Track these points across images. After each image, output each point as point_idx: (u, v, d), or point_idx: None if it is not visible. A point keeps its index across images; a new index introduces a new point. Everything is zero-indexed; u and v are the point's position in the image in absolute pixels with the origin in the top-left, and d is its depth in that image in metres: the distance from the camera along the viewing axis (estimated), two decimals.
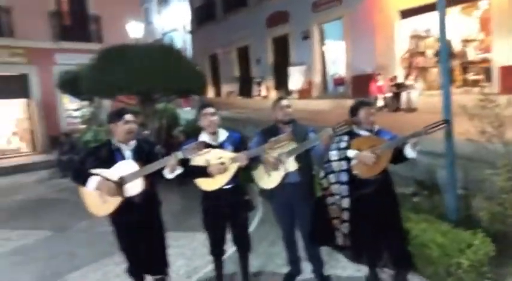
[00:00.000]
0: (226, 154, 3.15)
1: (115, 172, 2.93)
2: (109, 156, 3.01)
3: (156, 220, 3.22)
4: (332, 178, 3.24)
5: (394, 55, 11.65)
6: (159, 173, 2.97)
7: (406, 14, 11.18)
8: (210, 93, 20.03)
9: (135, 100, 8.61)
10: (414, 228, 3.48)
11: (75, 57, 12.97)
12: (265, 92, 16.89)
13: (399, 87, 10.51)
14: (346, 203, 3.20)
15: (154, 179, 3.12)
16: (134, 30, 15.07)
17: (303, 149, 3.18)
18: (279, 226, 3.63)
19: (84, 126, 12.95)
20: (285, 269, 3.77)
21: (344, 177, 3.18)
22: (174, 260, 3.98)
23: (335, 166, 3.21)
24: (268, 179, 3.32)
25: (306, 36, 14.61)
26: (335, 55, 14.48)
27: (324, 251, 3.67)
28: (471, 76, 10.06)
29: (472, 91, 8.63)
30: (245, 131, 6.40)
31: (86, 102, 12.77)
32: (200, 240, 4.60)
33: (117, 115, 3.05)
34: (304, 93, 14.68)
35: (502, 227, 3.53)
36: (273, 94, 16.52)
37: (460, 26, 10.91)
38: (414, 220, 3.63)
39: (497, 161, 3.58)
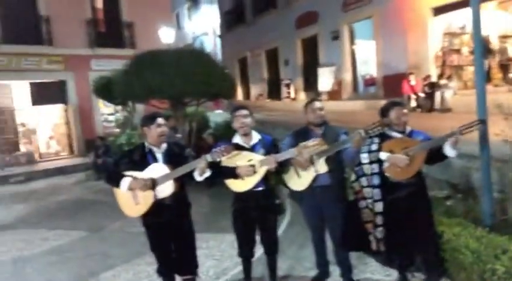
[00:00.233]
0: (256, 157, 3.18)
1: (147, 174, 3.01)
2: (142, 159, 3.10)
3: (186, 221, 3.28)
4: (364, 181, 3.19)
5: (427, 54, 11.31)
6: (189, 175, 3.03)
7: (439, 10, 10.83)
8: (239, 96, 20.19)
9: (167, 104, 8.80)
10: (447, 232, 3.37)
11: (110, 63, 13.41)
12: (294, 94, 16.83)
13: (433, 86, 10.18)
14: (379, 207, 3.14)
15: (184, 181, 3.18)
16: (166, 36, 15.41)
17: (334, 151, 3.14)
18: (309, 228, 3.61)
19: (118, 130, 13.36)
20: (313, 273, 3.74)
21: (376, 180, 3.13)
22: (203, 261, 4.05)
23: (366, 168, 3.16)
24: (298, 181, 3.30)
25: (336, 36, 14.45)
26: (365, 55, 14.23)
27: (353, 254, 3.62)
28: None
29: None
30: (274, 134, 6.41)
31: (119, 107, 13.16)
32: (229, 241, 4.66)
33: (150, 119, 3.14)
34: (334, 95, 14.51)
35: None
36: (302, 96, 16.44)
37: (498, 21, 10.47)
38: (447, 224, 3.52)
39: None
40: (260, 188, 3.24)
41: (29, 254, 5.19)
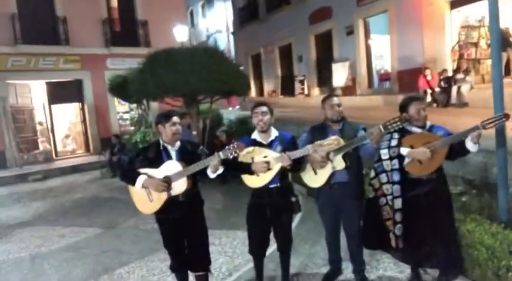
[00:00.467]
0: (272, 154, 3.17)
1: (161, 171, 3.05)
2: (156, 156, 3.13)
3: (199, 218, 3.29)
4: (383, 177, 3.15)
5: (444, 48, 11.08)
6: (202, 172, 3.05)
7: (456, 3, 10.62)
8: (253, 92, 20.19)
9: (181, 102, 8.86)
10: (461, 228, 3.32)
11: (125, 61, 13.64)
12: (308, 90, 16.73)
13: (449, 81, 9.98)
14: (398, 203, 3.09)
15: (197, 179, 3.20)
16: (180, 34, 15.49)
17: (351, 147, 3.10)
18: (323, 224, 3.57)
19: (133, 128, 13.52)
20: (325, 269, 3.72)
21: (396, 176, 3.08)
22: (215, 257, 4.09)
23: (386, 164, 3.11)
24: (314, 178, 3.27)
25: (350, 31, 14.28)
26: (380, 50, 14.05)
27: (366, 251, 3.57)
28: None
29: None
30: (286, 131, 6.38)
31: (134, 105, 13.30)
32: (241, 238, 4.68)
33: (165, 117, 3.15)
34: (348, 90, 14.36)
35: None
36: (316, 92, 16.34)
37: None
38: (462, 220, 3.46)
39: None
40: (275, 185, 3.23)
41: (47, 250, 5.30)
